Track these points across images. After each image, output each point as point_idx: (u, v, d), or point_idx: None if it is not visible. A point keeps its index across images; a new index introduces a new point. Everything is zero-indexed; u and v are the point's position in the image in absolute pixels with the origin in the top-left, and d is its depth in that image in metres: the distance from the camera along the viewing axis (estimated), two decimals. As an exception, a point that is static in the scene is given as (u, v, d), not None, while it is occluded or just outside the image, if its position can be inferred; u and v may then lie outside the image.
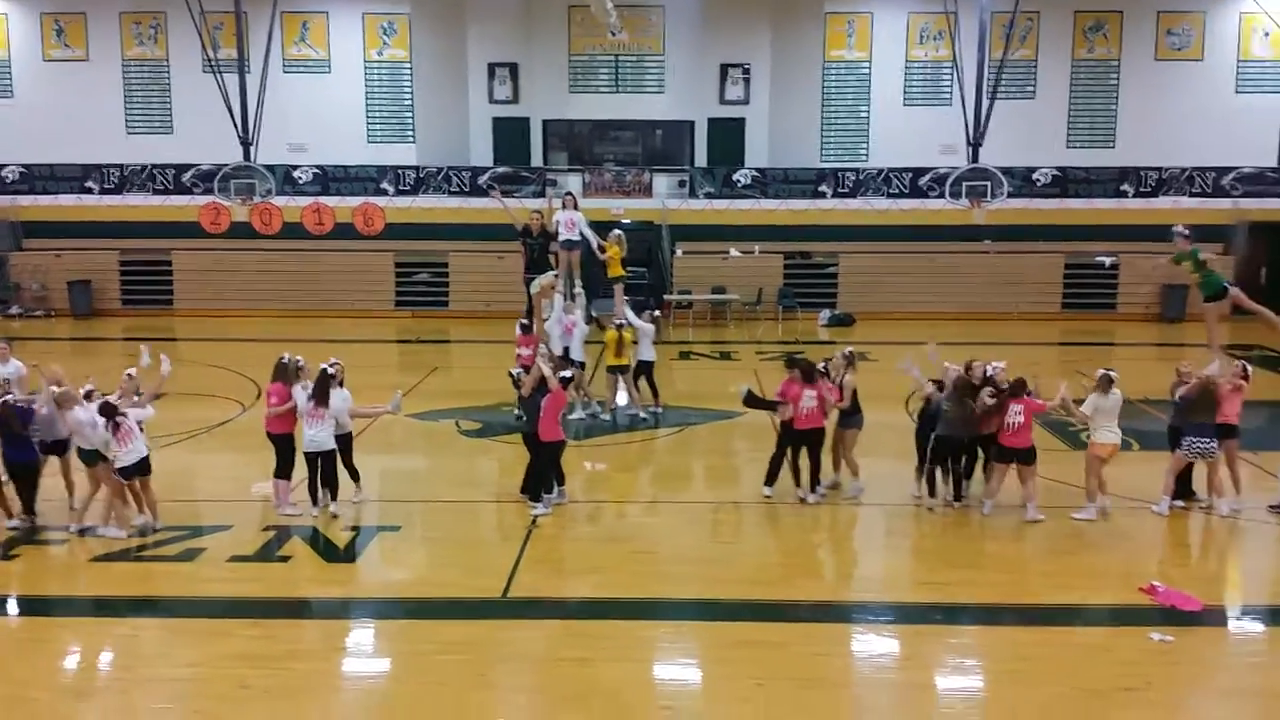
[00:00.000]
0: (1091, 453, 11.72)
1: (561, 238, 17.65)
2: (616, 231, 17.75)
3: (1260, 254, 27.53)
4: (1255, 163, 27.30)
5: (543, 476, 11.78)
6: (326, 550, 10.87)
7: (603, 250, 17.48)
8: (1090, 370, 12.33)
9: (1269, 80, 28.29)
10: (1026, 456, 11.54)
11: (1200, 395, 11.48)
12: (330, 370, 11.66)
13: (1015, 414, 11.45)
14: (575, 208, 17.78)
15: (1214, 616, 9.33)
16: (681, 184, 27.44)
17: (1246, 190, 26.92)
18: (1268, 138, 28.26)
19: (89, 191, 27.64)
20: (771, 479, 12.30)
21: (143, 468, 11.05)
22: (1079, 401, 11.73)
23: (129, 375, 11.55)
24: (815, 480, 12.18)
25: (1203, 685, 8.14)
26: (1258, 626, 9.36)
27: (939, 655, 8.69)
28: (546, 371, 11.64)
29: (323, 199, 27.25)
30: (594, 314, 16.18)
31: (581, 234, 17.62)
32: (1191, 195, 26.99)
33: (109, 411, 10.81)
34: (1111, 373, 11.64)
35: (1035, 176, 26.99)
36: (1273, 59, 28.17)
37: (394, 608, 9.54)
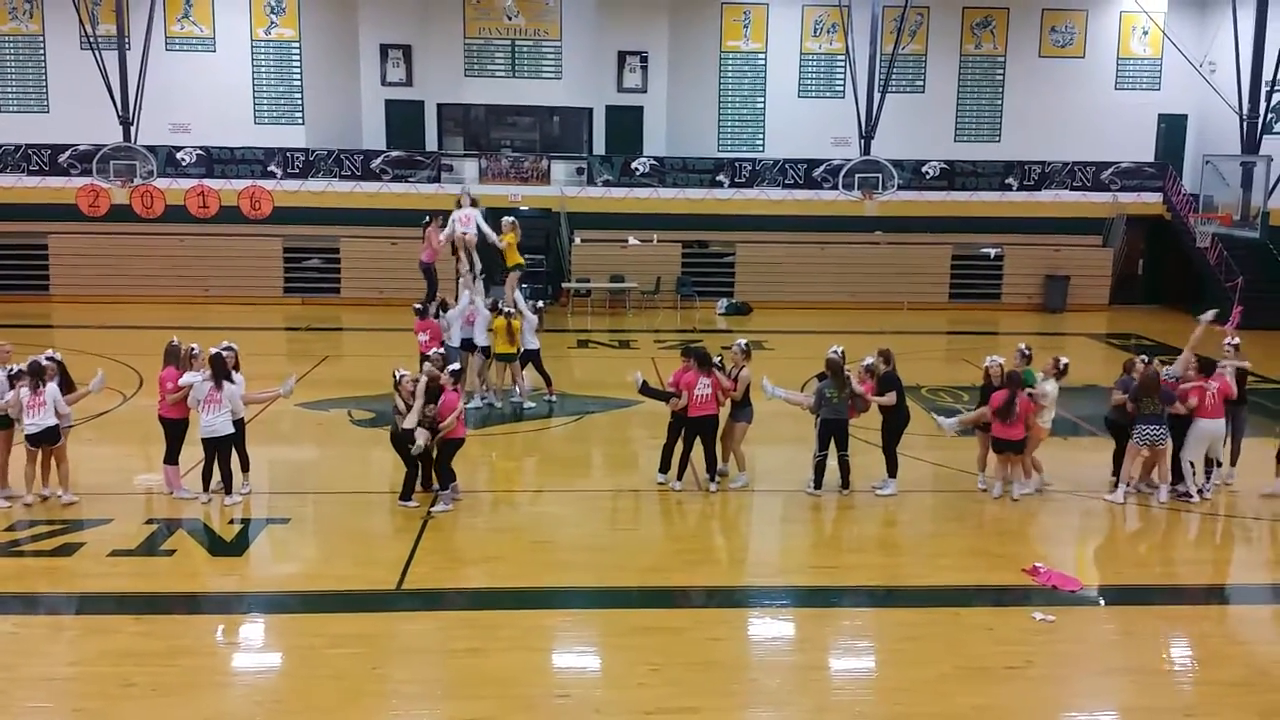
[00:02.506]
0: (1037, 435, 12.16)
1: (458, 231, 17.34)
2: (509, 218, 17.52)
3: (1137, 246, 28.67)
4: (1133, 157, 28.38)
5: (442, 470, 11.61)
6: (213, 544, 10.58)
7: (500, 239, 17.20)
8: (975, 358, 12.68)
9: (1146, 77, 29.42)
10: (1017, 446, 11.95)
11: (1145, 385, 11.89)
12: (223, 353, 11.50)
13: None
14: (472, 204, 17.47)
15: (1094, 596, 9.68)
16: (580, 171, 27.37)
17: (1125, 184, 27.98)
18: (1145, 133, 29.42)
19: (-42, 172, 26.37)
20: (665, 467, 12.38)
21: (49, 437, 11.05)
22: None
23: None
24: (711, 468, 12.28)
25: (1082, 663, 8.42)
26: (1135, 606, 9.71)
27: (831, 637, 8.86)
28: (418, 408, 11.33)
29: (207, 182, 26.45)
30: (499, 303, 15.86)
31: (479, 228, 17.28)
32: (1072, 189, 27.97)
33: (37, 370, 10.92)
34: (1063, 359, 12.26)
35: (924, 169, 27.61)
36: (1150, 57, 29.30)
37: (284, 601, 9.33)
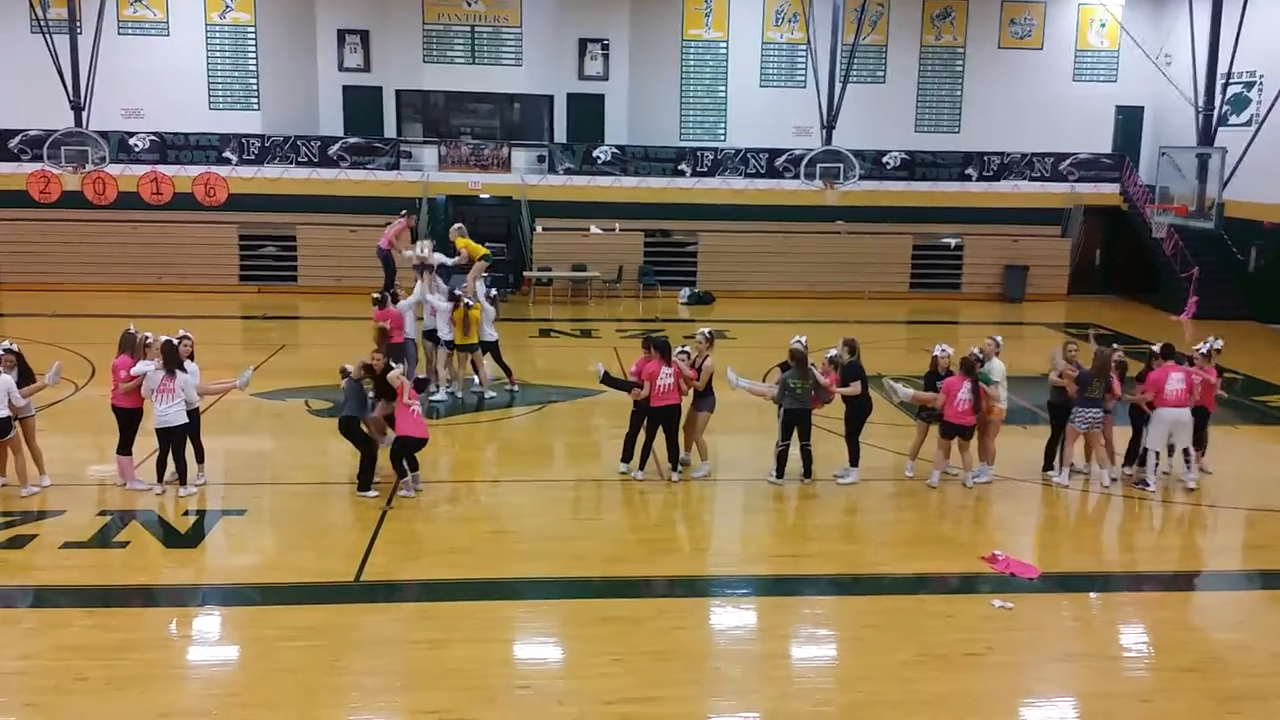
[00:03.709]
0: (998, 417, 12.31)
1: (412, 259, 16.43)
2: (457, 225, 17.26)
3: (1094, 236, 28.97)
4: (1091, 149, 28.64)
5: (397, 465, 11.55)
6: (167, 535, 10.42)
7: (458, 253, 16.64)
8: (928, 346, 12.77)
9: (1104, 69, 29.68)
10: (968, 433, 12.09)
11: (1098, 371, 12.08)
12: (176, 341, 11.36)
13: (966, 391, 11.85)
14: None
15: (1051, 583, 9.75)
16: (541, 159, 27.20)
17: (1082, 175, 28.21)
18: (1102, 125, 29.70)
19: (-95, 156, 25.73)
20: (627, 456, 12.35)
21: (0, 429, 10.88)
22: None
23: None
24: (674, 458, 12.27)
25: (1041, 649, 8.50)
26: (1091, 593, 9.81)
27: (793, 625, 8.88)
28: (400, 382, 11.38)
29: (160, 168, 26.00)
30: (457, 293, 15.64)
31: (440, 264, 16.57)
32: (1030, 180, 28.17)
33: None
34: (998, 337, 12.74)
35: (885, 160, 27.69)
36: (1108, 49, 29.55)
37: (240, 594, 9.21)
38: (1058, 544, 11.08)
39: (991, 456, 12.46)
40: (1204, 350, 12.86)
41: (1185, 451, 12.42)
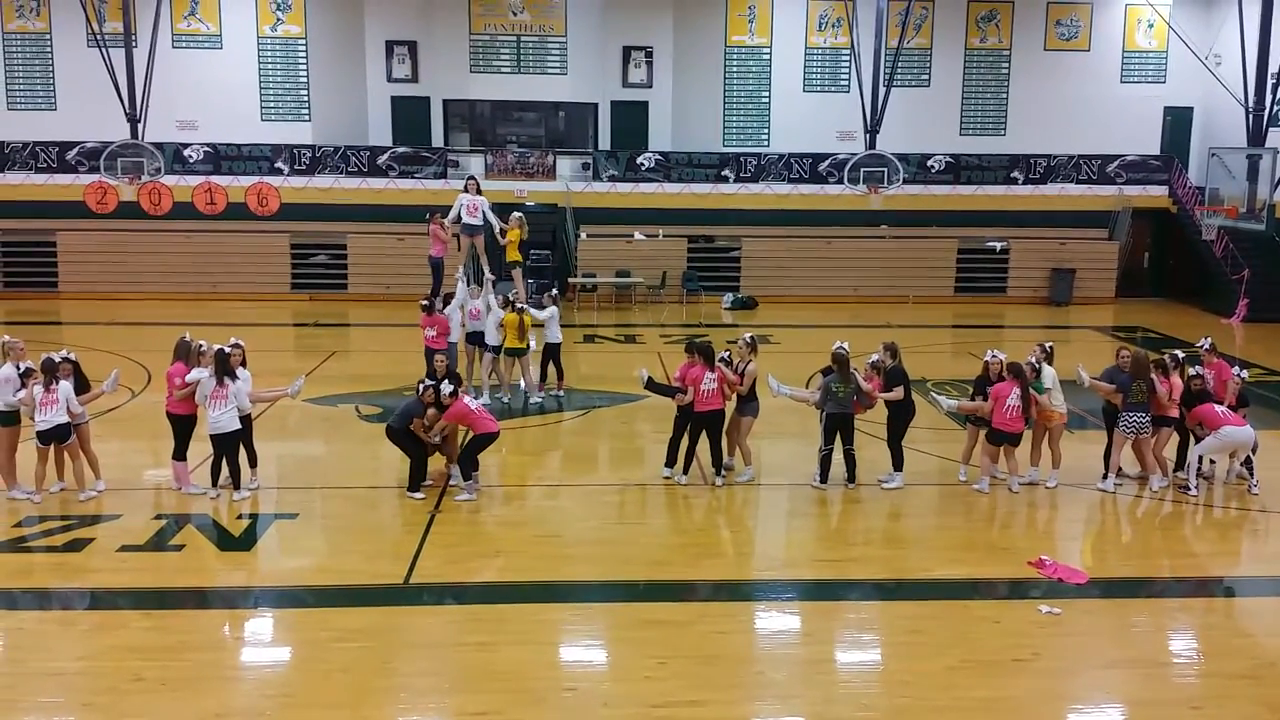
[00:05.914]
0: (1059, 422, 12.26)
1: (463, 221, 17.70)
2: (517, 214, 17.77)
3: (1142, 239, 28.62)
4: (1139, 150, 28.31)
5: (464, 461, 11.77)
6: (222, 539, 10.63)
7: (504, 234, 17.59)
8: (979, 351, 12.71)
9: (1152, 70, 29.34)
10: (1016, 439, 12.00)
11: (1136, 375, 11.94)
12: (228, 350, 11.58)
13: (1015, 397, 11.78)
14: (478, 192, 17.81)
15: (1100, 589, 9.68)
16: (585, 166, 27.37)
17: (1130, 177, 27.88)
18: (1151, 126, 29.34)
19: (-33, 169, 26.42)
20: (671, 461, 12.41)
21: (59, 435, 11.15)
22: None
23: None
24: (717, 463, 12.32)
25: (1089, 655, 8.43)
26: (1142, 598, 9.72)
27: (837, 630, 8.88)
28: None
29: (214, 178, 26.49)
30: (511, 298, 15.93)
31: (485, 217, 17.67)
32: (1078, 182, 27.90)
33: (50, 367, 11.05)
34: (1048, 344, 12.68)
35: (930, 163, 27.56)
36: (1156, 50, 29.22)
37: (292, 596, 9.38)
38: (1106, 549, 10.99)
39: (1057, 460, 12.37)
40: (1205, 346, 13.08)
41: (1247, 460, 12.29)
